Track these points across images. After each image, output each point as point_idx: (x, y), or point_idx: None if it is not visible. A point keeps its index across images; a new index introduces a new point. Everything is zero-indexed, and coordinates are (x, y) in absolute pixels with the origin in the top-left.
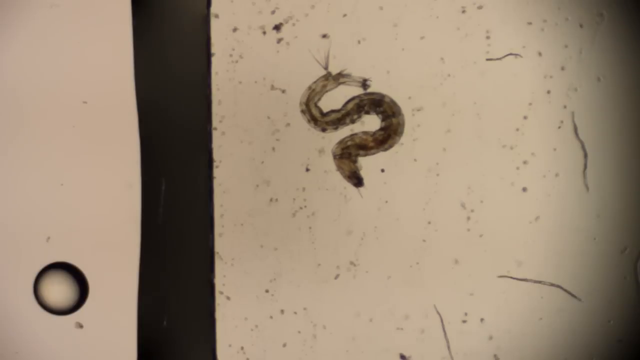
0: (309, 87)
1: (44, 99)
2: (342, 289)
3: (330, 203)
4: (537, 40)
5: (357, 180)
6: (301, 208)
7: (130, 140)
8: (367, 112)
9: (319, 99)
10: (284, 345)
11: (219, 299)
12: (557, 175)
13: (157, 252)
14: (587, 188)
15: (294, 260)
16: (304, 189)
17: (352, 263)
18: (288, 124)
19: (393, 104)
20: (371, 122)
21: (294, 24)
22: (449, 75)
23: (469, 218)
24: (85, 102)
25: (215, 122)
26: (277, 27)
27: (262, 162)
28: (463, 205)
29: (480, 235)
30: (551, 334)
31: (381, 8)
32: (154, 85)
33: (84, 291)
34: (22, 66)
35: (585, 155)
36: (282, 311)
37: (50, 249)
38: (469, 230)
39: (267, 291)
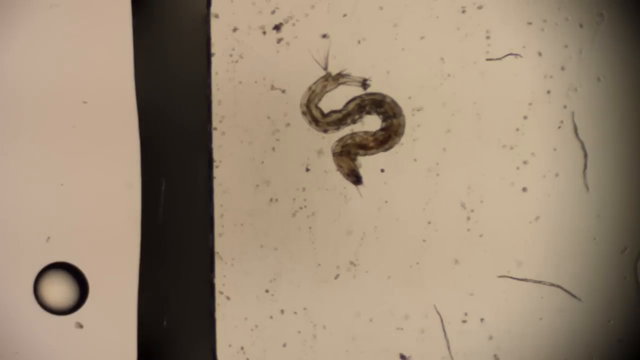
0: (309, 88)
1: (44, 99)
2: (342, 289)
3: (330, 203)
4: (537, 40)
5: (355, 178)
6: (301, 208)
7: (130, 140)
8: (369, 113)
9: (320, 100)
10: (284, 345)
11: (219, 299)
12: (557, 175)
13: (157, 252)
14: (587, 188)
15: (294, 260)
16: (304, 189)
17: (352, 263)
18: (288, 124)
19: (394, 105)
20: (371, 122)
21: (294, 24)
22: (449, 75)
23: (469, 218)
24: (85, 102)
25: (215, 122)
26: (277, 27)
27: (262, 162)
28: (463, 205)
29: (480, 235)
30: (551, 334)
31: (381, 8)
32: (154, 85)
33: (84, 291)
34: (22, 66)
35: (585, 155)
36: (282, 311)
37: (50, 249)
38: (469, 230)
39: (267, 291)
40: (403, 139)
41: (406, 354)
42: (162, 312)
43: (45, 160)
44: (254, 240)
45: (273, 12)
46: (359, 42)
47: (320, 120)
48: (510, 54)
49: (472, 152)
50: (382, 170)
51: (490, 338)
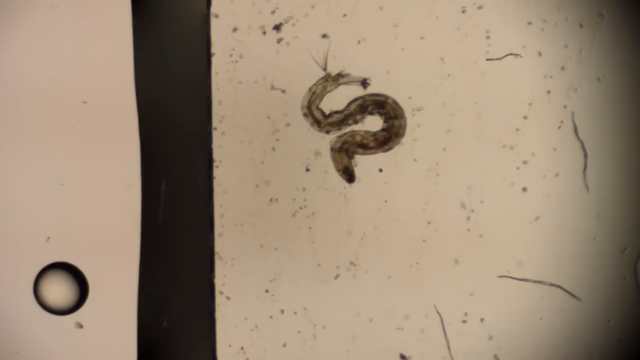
0: (310, 90)
1: (44, 99)
2: (342, 289)
3: (330, 203)
4: (537, 40)
5: (349, 176)
6: (301, 208)
7: (130, 140)
8: (370, 113)
9: (320, 101)
10: (284, 345)
11: (219, 299)
12: (557, 175)
13: (157, 252)
14: (587, 188)
15: (294, 260)
16: (304, 189)
17: (352, 263)
18: (288, 124)
19: (396, 106)
20: (372, 122)
21: (294, 24)
22: (449, 75)
23: (469, 218)
24: (85, 102)
25: (215, 122)
26: (277, 27)
27: (262, 162)
28: (463, 205)
29: (480, 235)
30: (551, 334)
31: (381, 8)
32: (154, 85)
33: (84, 291)
34: (22, 66)
35: (585, 155)
36: (282, 311)
37: (50, 249)
38: (469, 230)
39: (267, 291)
40: (403, 139)
41: (406, 354)
42: (162, 312)
43: (45, 160)
44: (254, 240)
45: (273, 12)
46: (359, 42)
47: (322, 122)
48: (510, 54)
49: (472, 152)
50: (381, 170)
51: (490, 338)
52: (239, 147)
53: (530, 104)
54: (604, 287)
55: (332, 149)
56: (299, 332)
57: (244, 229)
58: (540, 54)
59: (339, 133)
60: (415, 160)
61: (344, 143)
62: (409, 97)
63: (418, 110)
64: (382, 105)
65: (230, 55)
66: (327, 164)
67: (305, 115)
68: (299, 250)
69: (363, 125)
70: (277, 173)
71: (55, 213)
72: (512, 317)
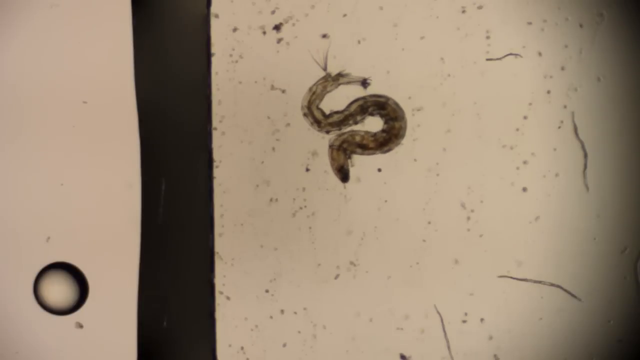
0: (310, 90)
1: (44, 99)
2: (342, 289)
3: (330, 203)
4: (537, 40)
5: (343, 175)
6: (301, 208)
7: (130, 140)
8: (371, 114)
9: (321, 101)
10: (284, 345)
11: (219, 299)
12: (557, 175)
13: (157, 252)
14: (587, 188)
15: (294, 260)
16: (304, 189)
17: (352, 263)
18: (288, 124)
19: (397, 108)
20: (372, 123)
21: (294, 24)
22: (449, 75)
23: (469, 218)
24: (85, 102)
25: (215, 122)
26: (277, 27)
27: (262, 162)
28: (463, 205)
29: (480, 235)
30: (551, 334)
31: (381, 8)
32: (154, 85)
33: (84, 291)
34: (22, 66)
35: (585, 155)
36: (282, 311)
37: (50, 249)
38: (469, 230)
39: (267, 291)
40: (403, 140)
41: (406, 354)
42: (162, 312)
43: (45, 160)
44: (254, 240)
45: (273, 12)
46: (359, 42)
47: (323, 122)
48: (510, 54)
49: (472, 152)
50: (379, 170)
51: (490, 338)
52: (239, 147)
53: (530, 104)
54: (604, 287)
55: (330, 146)
56: (299, 332)
57: (244, 229)
58: (540, 54)
59: (339, 133)
60: (415, 160)
61: (343, 142)
62: (409, 97)
63: (418, 110)
64: (382, 106)
65: (230, 55)
66: (327, 164)
67: (305, 115)
68: (299, 250)
69: (363, 126)
70: (277, 173)
71: (55, 213)
72: (512, 317)
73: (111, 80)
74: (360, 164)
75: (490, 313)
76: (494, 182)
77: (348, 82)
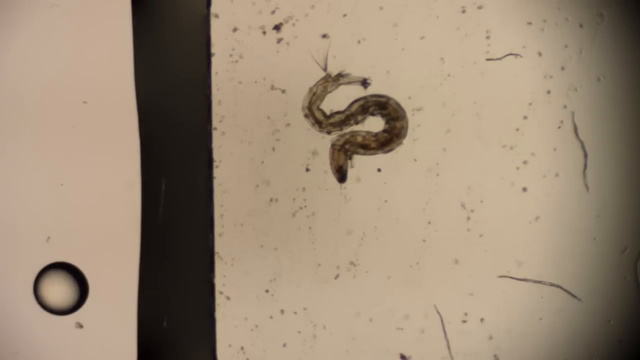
0: (310, 90)
1: (44, 99)
2: (342, 289)
3: (330, 203)
4: (537, 40)
5: (341, 175)
6: (301, 208)
7: (130, 140)
8: (372, 114)
9: (321, 102)
10: (284, 345)
11: (219, 299)
12: (557, 175)
13: (157, 252)
14: (587, 188)
15: (294, 260)
16: (304, 189)
17: (352, 263)
18: (288, 124)
19: (398, 108)
20: (372, 123)
21: (294, 24)
22: (449, 75)
23: (469, 218)
24: (85, 102)
25: (215, 122)
26: (277, 27)
27: (262, 162)
28: (463, 205)
29: (480, 235)
30: (551, 334)
31: (381, 8)
32: (154, 85)
33: (84, 291)
34: (22, 66)
35: (585, 155)
36: (282, 311)
37: (50, 249)
38: (469, 230)
39: (267, 291)
40: (404, 139)
41: (406, 354)
42: (162, 312)
43: (45, 160)
44: (254, 240)
45: (273, 12)
46: (359, 42)
47: (324, 122)
48: (510, 54)
49: (472, 152)
50: (379, 170)
51: (490, 338)
52: (239, 147)
53: (530, 104)
54: (604, 287)
55: (332, 146)
56: (299, 332)
57: (244, 229)
58: (540, 54)
59: (340, 133)
60: (415, 160)
61: (345, 142)
62: (409, 97)
63: (418, 110)
64: (384, 106)
65: (230, 55)
66: (327, 164)
67: (306, 116)
68: (299, 250)
69: (363, 126)
70: (277, 173)
71: (55, 213)
72: (512, 317)
73: (111, 80)
74: (360, 164)
75: (490, 313)
76: (494, 182)
77: (348, 82)
